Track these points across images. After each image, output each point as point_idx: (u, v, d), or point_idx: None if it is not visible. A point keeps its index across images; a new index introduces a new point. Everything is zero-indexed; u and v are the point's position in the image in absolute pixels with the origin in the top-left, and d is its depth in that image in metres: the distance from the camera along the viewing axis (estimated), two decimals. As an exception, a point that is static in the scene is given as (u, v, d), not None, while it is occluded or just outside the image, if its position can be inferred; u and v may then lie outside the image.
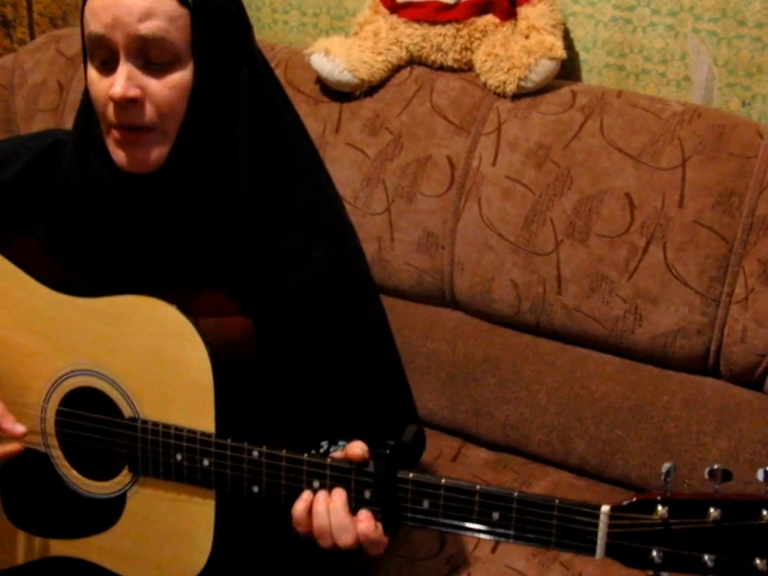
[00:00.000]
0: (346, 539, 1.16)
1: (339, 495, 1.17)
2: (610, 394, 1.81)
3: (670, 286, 1.73)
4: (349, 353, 1.38)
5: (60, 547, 1.37)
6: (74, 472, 1.35)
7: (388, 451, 1.15)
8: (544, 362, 1.87)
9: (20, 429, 1.30)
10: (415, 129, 1.96)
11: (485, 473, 1.85)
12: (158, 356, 1.26)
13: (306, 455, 1.19)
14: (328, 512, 1.16)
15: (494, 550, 1.63)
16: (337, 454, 1.25)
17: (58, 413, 1.34)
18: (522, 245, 1.85)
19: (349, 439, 1.26)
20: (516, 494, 1.10)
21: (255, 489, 1.22)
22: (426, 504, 1.14)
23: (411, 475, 1.15)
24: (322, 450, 1.34)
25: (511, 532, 1.11)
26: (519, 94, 1.90)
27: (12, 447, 1.32)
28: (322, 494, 1.18)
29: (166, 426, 1.26)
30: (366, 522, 1.16)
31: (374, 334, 1.42)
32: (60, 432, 1.35)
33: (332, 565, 1.49)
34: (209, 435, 1.23)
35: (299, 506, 1.19)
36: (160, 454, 1.27)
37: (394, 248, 1.97)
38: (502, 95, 1.92)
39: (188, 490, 1.27)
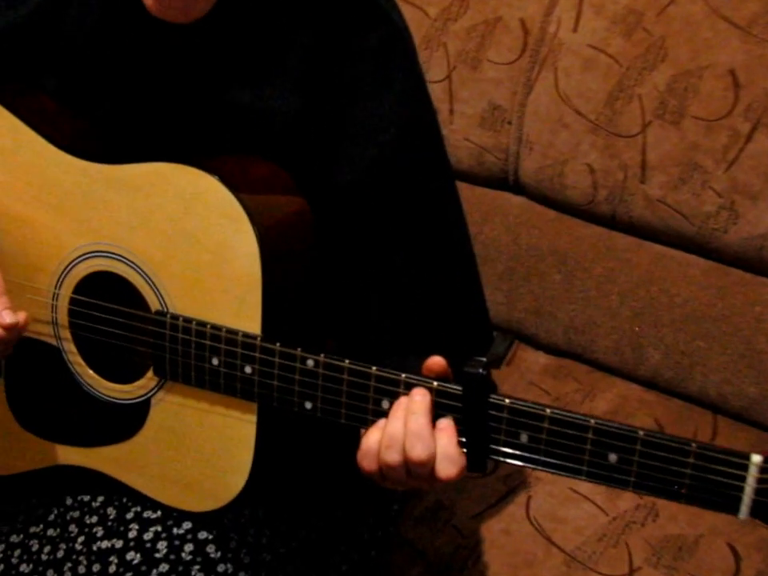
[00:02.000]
0: (420, 451, 0.90)
1: (422, 396, 0.92)
2: (693, 300, 1.54)
3: (774, 180, 1.45)
4: (422, 251, 1.12)
5: (72, 455, 1.13)
6: (90, 371, 1.09)
7: (480, 370, 0.89)
8: (618, 259, 1.60)
9: (8, 318, 1.03)
10: (483, -14, 1.66)
11: (543, 380, 1.61)
12: (193, 238, 1.00)
13: (374, 368, 0.94)
14: (405, 415, 0.91)
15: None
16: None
17: (72, 301, 1.08)
18: (603, 124, 1.56)
19: (420, 355, 1.01)
20: (641, 432, 0.85)
21: (308, 405, 0.97)
22: (523, 437, 0.89)
23: (507, 401, 0.89)
24: None
25: (631, 479, 0.86)
26: (607, -51, 1.58)
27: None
28: (402, 398, 0.92)
29: (201, 324, 1.00)
30: (447, 430, 0.91)
31: (451, 230, 1.15)
32: (73, 324, 1.09)
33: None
34: (253, 337, 0.98)
35: (375, 431, 0.93)
36: (192, 356, 1.01)
37: (453, 121, 1.69)
38: (586, -51, 1.60)
39: (224, 401, 1.02)
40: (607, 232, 1.63)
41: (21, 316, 1.03)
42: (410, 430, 0.90)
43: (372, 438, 0.93)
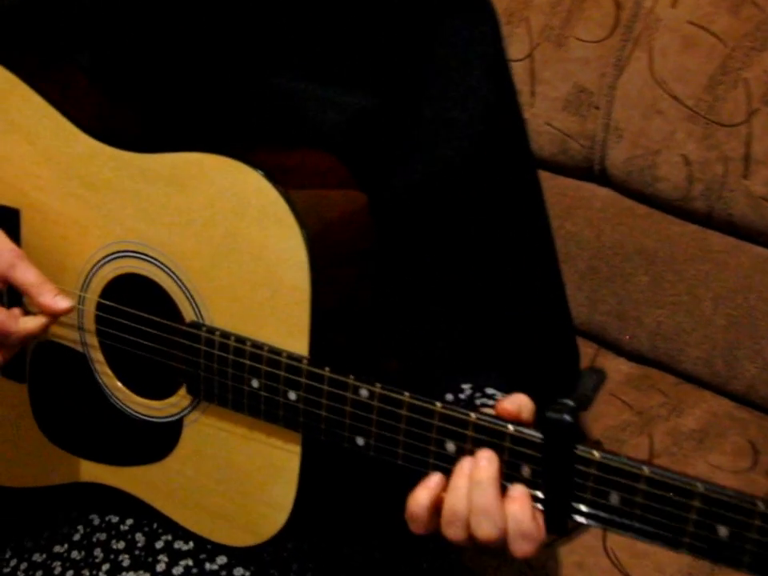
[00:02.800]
0: (487, 529, 0.75)
1: (489, 462, 0.76)
2: (798, 310, 1.35)
3: None
4: (503, 254, 0.96)
5: (100, 473, 0.99)
6: (118, 383, 0.95)
7: (566, 416, 0.73)
8: (713, 262, 1.42)
9: (63, 303, 0.89)
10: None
11: (625, 391, 1.44)
12: (234, 241, 0.85)
13: (439, 404, 0.78)
14: (469, 486, 0.75)
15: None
16: (486, 410, 0.85)
17: (99, 306, 0.94)
18: (703, 111, 1.38)
19: (496, 382, 0.85)
20: (762, 504, 0.68)
21: (360, 441, 0.82)
22: (614, 498, 0.73)
23: (597, 454, 0.73)
24: (463, 396, 0.92)
25: (745, 558, 0.69)
26: None
27: (31, 323, 0.90)
28: (465, 462, 0.77)
29: (240, 340, 0.85)
30: (520, 502, 0.75)
31: (535, 231, 0.99)
32: (101, 330, 0.95)
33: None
34: (298, 359, 0.83)
35: (423, 494, 0.78)
36: (229, 376, 0.86)
37: (534, 104, 1.52)
38: None
39: (266, 427, 0.87)
40: (702, 231, 1.44)
41: (69, 302, 0.90)
42: (476, 506, 0.74)
43: (421, 499, 0.77)
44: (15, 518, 1.05)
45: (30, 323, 0.89)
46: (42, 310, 0.89)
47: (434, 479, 0.77)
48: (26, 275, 0.89)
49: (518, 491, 0.75)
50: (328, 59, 0.92)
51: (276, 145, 0.92)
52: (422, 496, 0.77)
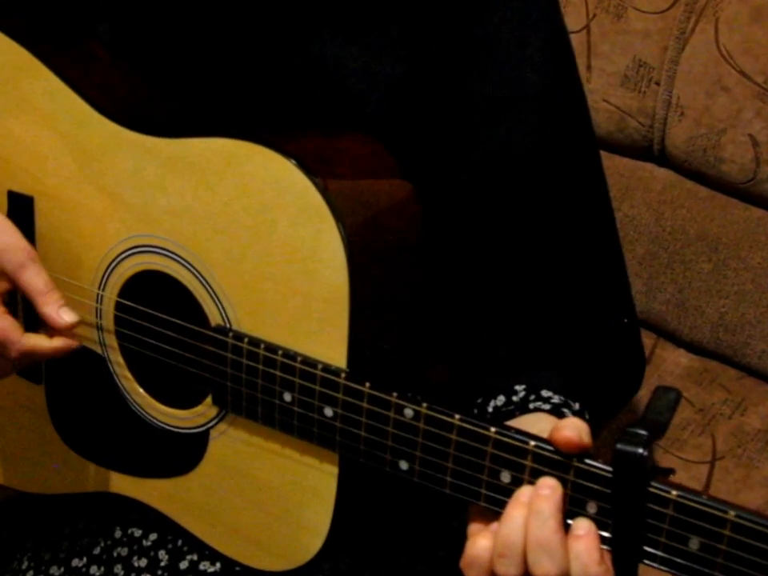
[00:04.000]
0: (547, 566, 0.63)
1: (552, 491, 0.64)
2: None
3: None
4: (564, 242, 0.85)
5: (122, 483, 0.90)
6: (139, 388, 0.85)
7: (640, 450, 0.61)
8: (782, 250, 1.28)
9: (66, 318, 0.80)
10: None
11: (685, 386, 1.32)
12: (265, 238, 0.74)
13: (493, 429, 0.67)
14: (527, 515, 0.64)
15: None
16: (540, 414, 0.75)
17: (117, 306, 0.84)
18: (774, 88, 1.24)
19: (552, 384, 0.74)
20: None
21: (403, 465, 0.71)
22: (693, 544, 0.62)
23: (675, 493, 0.61)
24: (515, 399, 0.81)
25: None
26: None
27: (61, 343, 0.82)
28: (524, 489, 0.66)
29: (271, 349, 0.74)
30: (587, 541, 0.63)
31: (599, 217, 0.88)
32: (120, 332, 0.85)
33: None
34: (336, 373, 0.72)
35: (482, 542, 0.67)
36: (259, 388, 0.76)
37: (590, 79, 1.39)
38: None
39: (300, 445, 0.77)
40: (769, 216, 1.31)
41: (74, 316, 0.81)
42: (534, 539, 0.63)
43: (481, 546, 0.66)
44: (33, 526, 0.96)
45: (33, 341, 0.80)
46: (45, 321, 0.79)
47: (496, 524, 0.66)
48: (35, 280, 0.79)
49: (583, 528, 0.64)
50: (368, 24, 0.81)
51: (313, 129, 0.81)
52: (482, 539, 0.66)
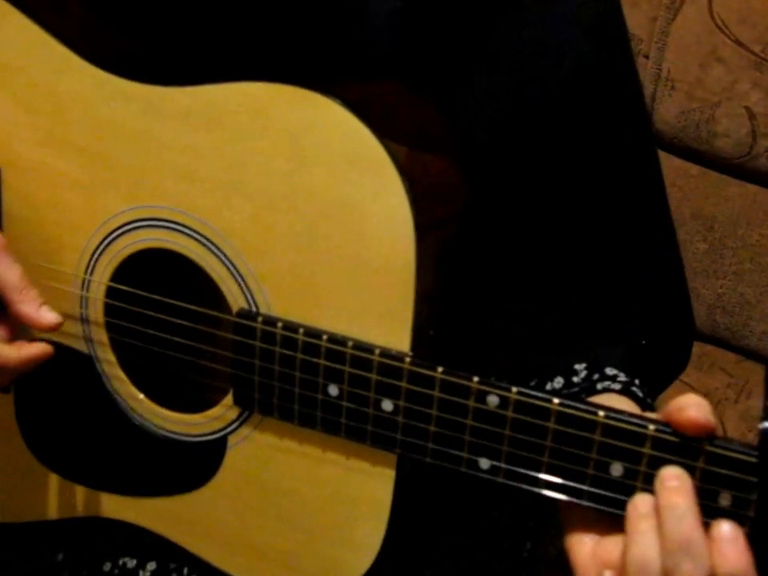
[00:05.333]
0: (689, 570, 0.51)
1: (682, 482, 0.53)
2: None
3: None
4: (616, 213, 0.74)
5: (111, 505, 0.75)
6: (135, 391, 0.70)
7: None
8: (780, 227, 1.21)
9: (49, 317, 0.66)
10: None
11: (685, 372, 1.22)
12: (304, 200, 0.60)
13: (602, 413, 0.55)
14: (661, 518, 0.52)
15: None
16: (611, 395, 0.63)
17: (110, 292, 0.69)
18: (772, 57, 1.16)
19: (615, 361, 0.65)
20: None
21: (484, 464, 0.59)
22: None
23: (838, 479, 0.50)
24: (576, 379, 0.69)
25: None
26: None
27: (34, 350, 0.67)
28: (641, 500, 0.54)
29: (312, 333, 0.61)
30: (735, 544, 0.52)
31: (655, 187, 0.77)
32: (112, 324, 0.70)
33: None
34: (398, 357, 0.59)
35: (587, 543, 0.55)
36: (297, 381, 0.62)
37: (573, 53, 1.28)
38: None
39: (345, 448, 0.63)
40: (766, 192, 1.23)
41: (56, 317, 0.66)
42: (672, 540, 0.51)
43: (584, 553, 0.54)
44: (6, 560, 0.80)
45: (6, 351, 0.65)
46: (22, 321, 0.64)
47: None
48: (7, 274, 0.64)
49: (726, 531, 0.52)
50: None
51: (334, 72, 0.68)
52: (583, 545, 0.55)
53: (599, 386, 0.68)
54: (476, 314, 0.69)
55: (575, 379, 0.70)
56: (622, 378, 0.69)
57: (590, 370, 0.70)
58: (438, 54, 0.70)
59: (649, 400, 0.67)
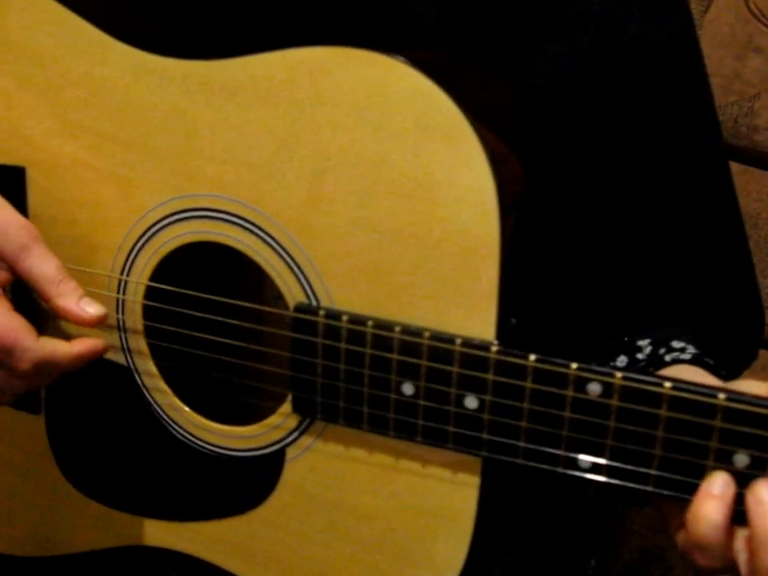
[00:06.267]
0: None
1: None
2: None
3: None
4: (679, 184, 0.68)
5: (153, 532, 0.67)
6: (180, 404, 0.63)
7: None
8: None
9: (91, 311, 0.59)
10: None
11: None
12: (370, 173, 0.54)
13: (722, 395, 0.48)
14: None
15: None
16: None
17: (149, 293, 0.62)
18: (814, 44, 1.11)
19: (682, 336, 0.60)
20: None
21: (585, 462, 0.52)
22: None
23: None
24: (641, 356, 0.62)
25: None
26: None
27: (85, 347, 0.60)
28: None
29: (383, 326, 0.54)
30: None
31: (717, 173, 0.72)
32: (152, 329, 0.63)
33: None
34: (483, 347, 0.52)
35: (713, 506, 0.48)
36: (366, 380, 0.55)
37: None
38: None
39: (422, 454, 0.56)
40: (811, 187, 1.17)
41: (100, 309, 0.59)
42: None
43: (713, 515, 0.48)
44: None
45: (51, 345, 0.58)
46: (61, 316, 0.58)
47: (721, 481, 0.48)
48: (42, 266, 0.58)
49: None
50: None
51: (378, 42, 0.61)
52: (712, 510, 0.48)
53: (668, 358, 0.61)
54: (547, 303, 0.62)
55: (639, 356, 0.63)
56: (691, 349, 0.63)
57: (655, 345, 0.64)
58: (500, 23, 0.64)
59: (723, 372, 0.61)
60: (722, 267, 0.72)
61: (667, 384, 0.49)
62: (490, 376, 0.52)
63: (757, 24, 1.13)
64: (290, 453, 0.60)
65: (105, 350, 0.61)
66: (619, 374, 0.50)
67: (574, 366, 0.50)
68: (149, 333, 0.63)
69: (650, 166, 0.68)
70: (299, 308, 0.57)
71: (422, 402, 0.54)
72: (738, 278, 0.74)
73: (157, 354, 0.63)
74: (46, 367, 0.57)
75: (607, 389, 0.50)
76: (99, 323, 0.59)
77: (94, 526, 0.68)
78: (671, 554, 0.95)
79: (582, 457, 0.52)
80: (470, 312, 0.53)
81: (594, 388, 0.50)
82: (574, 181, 0.67)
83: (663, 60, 0.69)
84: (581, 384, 0.50)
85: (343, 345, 0.55)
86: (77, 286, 0.58)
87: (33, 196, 0.64)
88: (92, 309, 0.58)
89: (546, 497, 0.69)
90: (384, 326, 0.54)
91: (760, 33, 1.13)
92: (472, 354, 0.52)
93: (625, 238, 0.67)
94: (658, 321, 0.67)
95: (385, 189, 0.53)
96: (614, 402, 0.50)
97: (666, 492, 0.50)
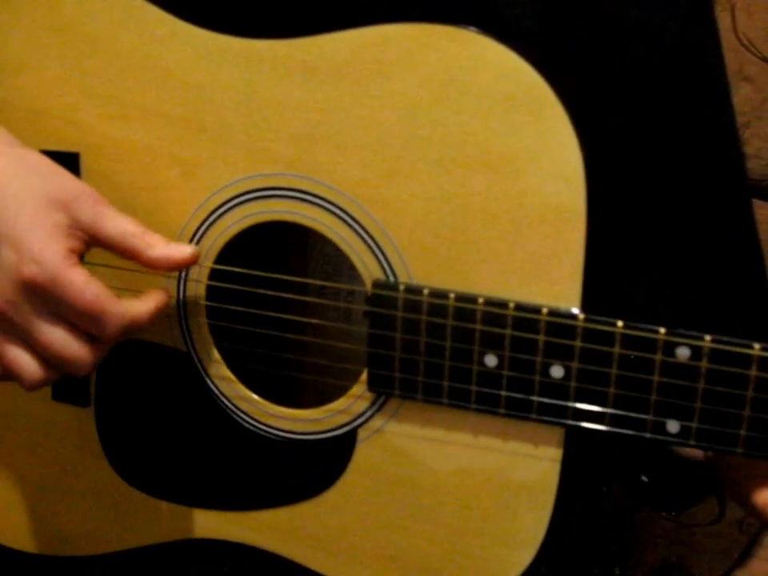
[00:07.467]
0: None
1: None
2: None
3: None
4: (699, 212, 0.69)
5: (211, 523, 0.66)
6: (245, 390, 0.63)
7: None
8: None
9: (187, 249, 0.58)
10: None
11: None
12: (451, 146, 0.54)
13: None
14: None
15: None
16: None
17: (213, 275, 0.61)
18: (802, 72, 1.15)
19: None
20: None
21: (673, 427, 0.53)
22: None
23: None
24: None
25: None
26: None
27: (154, 300, 0.58)
28: None
29: (465, 298, 0.54)
30: None
31: (736, 192, 0.73)
32: (216, 312, 0.62)
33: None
34: (570, 315, 0.53)
35: None
36: (447, 353, 0.55)
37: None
38: None
39: (502, 428, 0.56)
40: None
41: (192, 247, 0.58)
42: None
43: None
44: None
45: (135, 308, 0.56)
46: (155, 267, 0.56)
47: None
48: (122, 225, 0.56)
49: None
50: None
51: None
52: None
53: None
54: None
55: None
56: None
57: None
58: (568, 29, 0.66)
59: None
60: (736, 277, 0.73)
61: (756, 345, 0.50)
62: (578, 343, 0.53)
63: (746, 53, 1.18)
64: (362, 434, 0.60)
65: (170, 299, 0.59)
66: (708, 337, 0.51)
67: (663, 330, 0.51)
68: (212, 316, 0.62)
69: (665, 182, 0.69)
70: (377, 284, 0.56)
71: (505, 372, 0.54)
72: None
73: (220, 340, 0.63)
74: (131, 329, 0.56)
75: (696, 352, 0.51)
76: (197, 261, 0.58)
77: (145, 521, 0.67)
78: (690, 562, 0.95)
79: (671, 422, 0.52)
80: (555, 283, 0.53)
81: (683, 352, 0.51)
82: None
83: (696, 68, 0.71)
84: (669, 348, 0.51)
85: (424, 317, 0.55)
86: (160, 236, 0.57)
87: (87, 182, 0.63)
88: (186, 248, 0.57)
89: (574, 510, 0.68)
90: (466, 297, 0.54)
91: (750, 62, 1.18)
92: (559, 322, 0.53)
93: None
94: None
95: (469, 163, 0.54)
96: (704, 364, 0.51)
97: (756, 453, 0.51)
